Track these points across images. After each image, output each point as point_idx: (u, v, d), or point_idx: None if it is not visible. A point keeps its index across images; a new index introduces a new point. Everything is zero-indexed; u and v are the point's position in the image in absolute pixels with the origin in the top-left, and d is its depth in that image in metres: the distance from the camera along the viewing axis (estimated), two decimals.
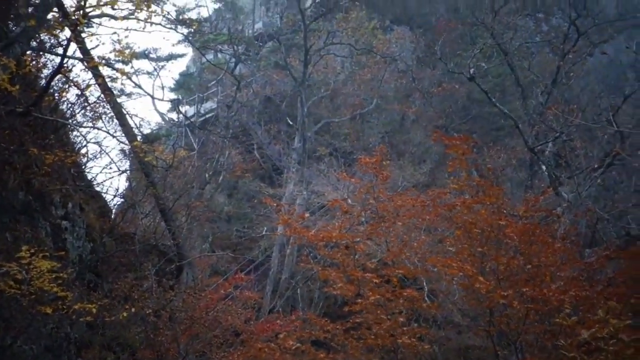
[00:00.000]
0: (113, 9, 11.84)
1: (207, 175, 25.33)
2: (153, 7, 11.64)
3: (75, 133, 15.96)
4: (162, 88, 32.22)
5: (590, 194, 17.97)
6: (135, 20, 11.53)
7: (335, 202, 15.59)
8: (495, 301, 9.33)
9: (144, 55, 36.45)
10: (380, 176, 14.11)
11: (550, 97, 22.01)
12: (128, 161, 20.91)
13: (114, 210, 18.90)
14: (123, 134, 16.98)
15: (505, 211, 11.03)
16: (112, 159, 17.74)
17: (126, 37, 16.28)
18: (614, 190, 20.64)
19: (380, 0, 37.78)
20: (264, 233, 24.15)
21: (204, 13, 46.85)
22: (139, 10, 11.30)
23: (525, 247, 10.05)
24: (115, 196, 19.68)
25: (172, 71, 62.79)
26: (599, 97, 25.62)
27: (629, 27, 42.86)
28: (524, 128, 20.43)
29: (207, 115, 33.18)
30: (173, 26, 19.32)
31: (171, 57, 39.83)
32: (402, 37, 35.31)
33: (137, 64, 47.20)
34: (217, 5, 47.39)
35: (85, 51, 13.66)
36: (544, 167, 18.88)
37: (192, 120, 31.55)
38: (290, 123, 28.99)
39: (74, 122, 15.05)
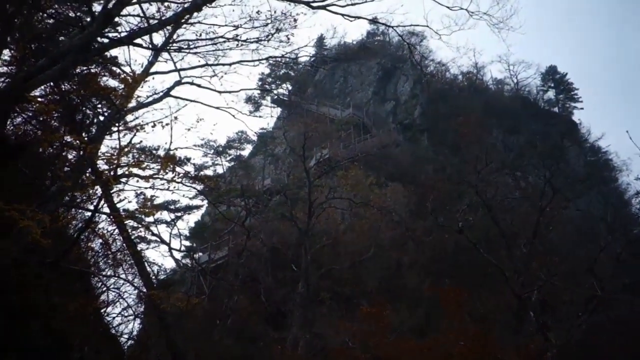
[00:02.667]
0: (141, 168, 12.15)
1: (217, 321, 24.65)
2: (177, 169, 11.97)
3: (96, 279, 15.80)
4: (179, 237, 32.36)
5: (577, 338, 17.37)
6: (159, 180, 11.79)
7: (340, 350, 15.08)
8: None
9: (164, 207, 36.92)
10: (380, 324, 13.73)
11: (532, 246, 21.98)
12: (143, 305, 20.44)
13: (126, 353, 18.24)
14: (141, 281, 16.81)
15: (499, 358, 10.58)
16: (129, 304, 17.39)
17: (152, 196, 16.65)
18: (599, 335, 19.92)
19: (376, 160, 39.08)
20: None
21: (219, 169, 48.07)
22: (164, 172, 11.59)
23: None
24: (129, 339, 19.09)
25: (189, 221, 63.53)
26: (576, 246, 25.61)
27: (598, 183, 44.02)
28: (510, 275, 20.15)
29: (218, 262, 33.03)
30: (192, 182, 19.74)
31: (188, 208, 40.43)
32: (395, 192, 36.06)
33: (157, 214, 47.74)
34: (231, 164, 49.09)
35: (112, 206, 13.84)
36: (531, 313, 18.39)
37: (204, 266, 31.37)
38: (295, 269, 28.73)
39: (97, 270, 14.94)
